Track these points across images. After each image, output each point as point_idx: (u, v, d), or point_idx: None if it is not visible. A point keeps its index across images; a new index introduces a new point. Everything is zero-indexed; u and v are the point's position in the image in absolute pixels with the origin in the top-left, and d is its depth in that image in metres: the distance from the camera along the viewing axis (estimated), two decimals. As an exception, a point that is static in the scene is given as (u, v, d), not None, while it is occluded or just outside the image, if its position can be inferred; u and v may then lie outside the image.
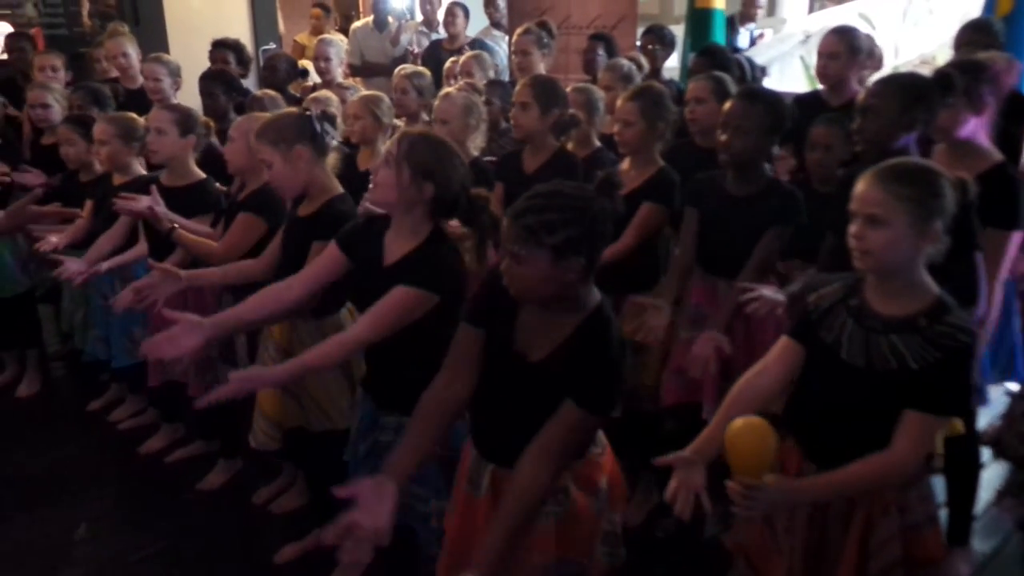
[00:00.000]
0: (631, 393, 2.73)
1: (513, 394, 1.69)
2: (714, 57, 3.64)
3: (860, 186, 1.62)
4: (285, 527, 2.82)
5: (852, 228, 1.63)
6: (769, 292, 2.21)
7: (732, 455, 1.59)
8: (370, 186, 2.03)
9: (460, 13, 5.53)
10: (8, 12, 6.95)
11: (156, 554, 2.77)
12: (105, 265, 2.92)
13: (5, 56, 5.76)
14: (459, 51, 5.14)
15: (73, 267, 2.87)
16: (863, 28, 3.89)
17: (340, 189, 2.38)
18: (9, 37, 5.51)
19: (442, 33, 5.76)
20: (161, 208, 2.60)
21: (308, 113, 2.34)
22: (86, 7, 6.95)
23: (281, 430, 2.59)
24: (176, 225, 2.62)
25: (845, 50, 3.14)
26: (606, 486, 1.75)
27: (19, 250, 3.71)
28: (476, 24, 5.84)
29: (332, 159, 2.44)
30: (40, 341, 3.98)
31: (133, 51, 4.42)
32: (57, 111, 3.70)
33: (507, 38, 5.39)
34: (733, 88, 2.97)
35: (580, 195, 1.58)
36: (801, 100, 3.22)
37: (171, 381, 3.07)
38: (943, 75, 2.36)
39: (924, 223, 1.56)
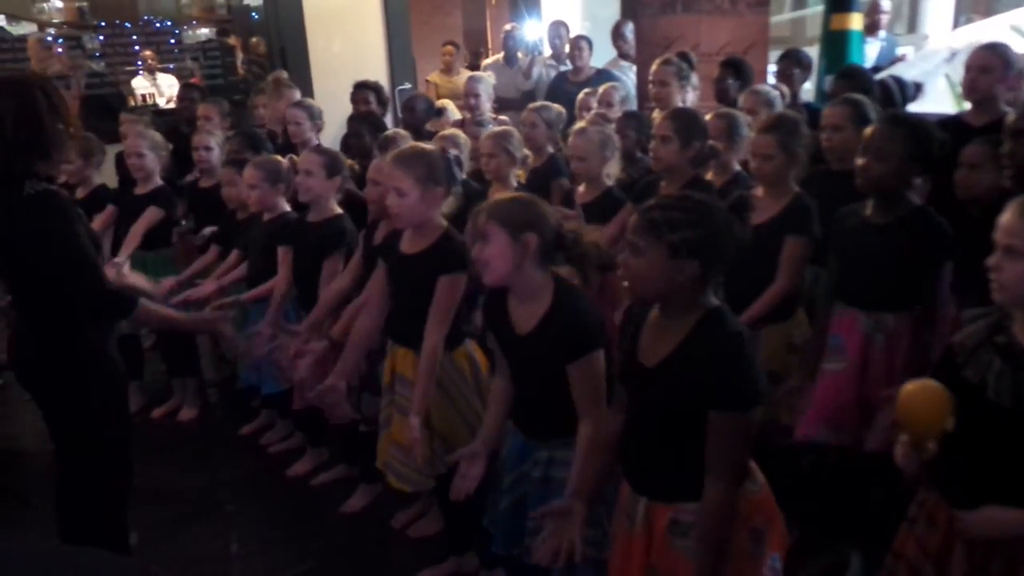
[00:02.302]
0: (765, 427, 2.67)
1: (643, 410, 1.72)
2: (854, 79, 3.53)
3: (1005, 215, 1.54)
4: (422, 551, 2.89)
5: (991, 259, 1.55)
6: None
7: (904, 416, 1.58)
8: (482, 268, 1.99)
9: (585, 46, 5.64)
10: (171, 65, 7.61)
11: (303, 573, 2.90)
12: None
13: (173, 106, 6.31)
14: (585, 82, 5.22)
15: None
16: (1016, 41, 3.67)
17: (446, 223, 2.47)
18: (182, 87, 6.03)
19: (568, 66, 5.86)
20: None
21: (449, 156, 2.43)
22: (240, 57, 7.52)
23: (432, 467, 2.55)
24: None
25: (999, 64, 2.98)
26: (763, 526, 1.69)
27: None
28: (599, 56, 5.91)
29: (451, 201, 2.51)
30: (199, 370, 4.26)
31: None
32: (217, 155, 3.99)
33: (634, 69, 5.41)
34: (872, 112, 2.87)
35: (709, 204, 1.64)
36: (942, 124, 3.07)
37: (314, 407, 3.22)
38: None
39: None
